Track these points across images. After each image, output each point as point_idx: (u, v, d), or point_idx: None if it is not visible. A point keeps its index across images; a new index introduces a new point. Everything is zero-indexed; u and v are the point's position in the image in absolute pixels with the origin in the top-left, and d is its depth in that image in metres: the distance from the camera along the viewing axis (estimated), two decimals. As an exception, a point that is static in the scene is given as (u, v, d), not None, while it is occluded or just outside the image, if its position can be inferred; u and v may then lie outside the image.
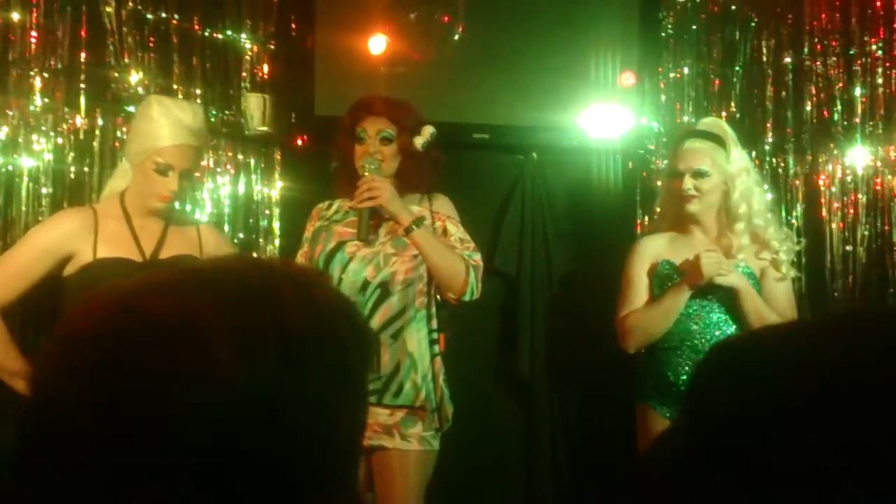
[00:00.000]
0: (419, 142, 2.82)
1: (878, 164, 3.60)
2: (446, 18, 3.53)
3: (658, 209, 3.28)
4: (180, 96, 3.38)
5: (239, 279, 0.66)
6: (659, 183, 3.69)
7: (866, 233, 3.62)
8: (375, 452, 2.68)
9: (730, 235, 2.88)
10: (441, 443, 2.78)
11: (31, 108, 3.18)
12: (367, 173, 2.70)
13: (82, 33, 3.27)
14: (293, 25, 3.58)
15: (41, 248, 2.53)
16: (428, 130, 2.84)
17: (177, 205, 2.67)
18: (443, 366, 2.79)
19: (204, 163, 3.44)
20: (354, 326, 0.69)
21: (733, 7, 3.76)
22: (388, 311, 2.68)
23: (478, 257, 2.80)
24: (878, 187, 3.60)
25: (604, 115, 3.64)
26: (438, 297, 2.80)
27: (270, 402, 0.61)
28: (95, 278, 2.46)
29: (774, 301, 2.87)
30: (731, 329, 2.84)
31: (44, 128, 3.21)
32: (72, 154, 3.26)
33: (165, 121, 2.50)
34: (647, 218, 3.76)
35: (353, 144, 2.80)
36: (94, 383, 0.60)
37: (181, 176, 2.52)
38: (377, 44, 3.52)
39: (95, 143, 3.28)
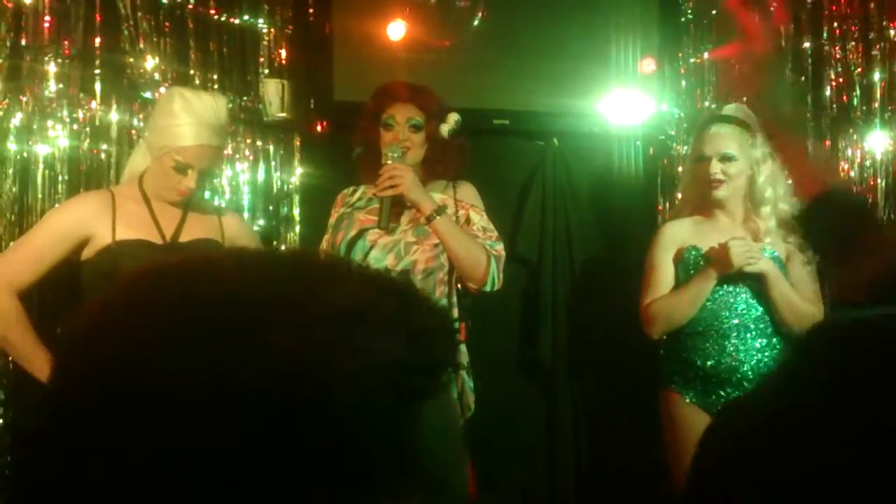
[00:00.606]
0: (445, 129, 2.81)
1: (897, 148, 3.61)
2: (466, 3, 3.49)
3: (679, 195, 3.26)
4: (197, 82, 3.34)
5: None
6: (681, 169, 3.69)
7: (885, 217, 3.62)
8: None
9: (756, 220, 2.87)
10: (464, 430, 2.75)
11: (46, 94, 3.13)
12: (389, 161, 2.66)
13: (96, 18, 3.22)
14: (310, 10, 3.54)
15: (58, 231, 2.49)
16: (453, 117, 2.83)
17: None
18: (466, 354, 2.76)
19: (224, 150, 3.40)
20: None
21: (753, -9, 3.75)
22: None
23: (500, 247, 2.77)
24: (898, 171, 3.61)
25: (624, 101, 3.63)
26: (459, 286, 2.77)
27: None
28: (115, 260, 2.44)
29: (801, 284, 2.86)
30: (758, 313, 2.82)
31: (59, 114, 3.16)
32: (87, 140, 3.21)
33: (187, 118, 2.45)
34: (668, 204, 3.74)
35: (377, 130, 2.77)
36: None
37: (200, 174, 2.50)
38: (396, 29, 3.49)
39: (111, 129, 3.23)
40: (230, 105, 3.40)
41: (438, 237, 2.67)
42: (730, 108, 3.06)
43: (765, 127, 2.93)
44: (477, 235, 2.74)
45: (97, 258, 2.47)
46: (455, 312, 2.76)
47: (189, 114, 2.45)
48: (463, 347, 2.76)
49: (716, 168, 2.84)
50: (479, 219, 2.80)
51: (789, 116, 1.28)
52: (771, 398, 0.55)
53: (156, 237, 2.52)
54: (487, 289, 2.71)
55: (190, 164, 2.46)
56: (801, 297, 2.84)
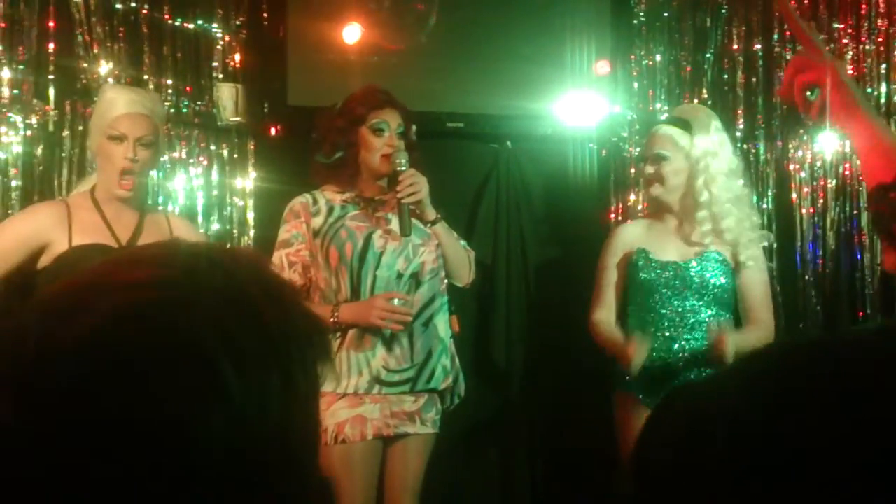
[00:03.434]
0: (413, 136, 2.86)
1: (847, 149, 3.64)
2: (420, 6, 3.51)
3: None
4: (151, 87, 3.36)
5: (217, 280, 0.64)
6: (633, 170, 3.74)
7: (835, 217, 3.67)
8: (399, 439, 2.75)
9: (693, 222, 2.88)
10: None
11: (-1, 99, 3.14)
12: (402, 168, 2.69)
13: (50, 23, 3.23)
14: (265, 14, 3.55)
15: (16, 237, 2.53)
16: (414, 126, 2.88)
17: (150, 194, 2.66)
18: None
19: (176, 154, 3.43)
20: (314, 323, 0.68)
21: (704, -6, 3.79)
22: (420, 300, 2.74)
23: (467, 245, 2.95)
24: (847, 172, 3.65)
25: (579, 103, 3.65)
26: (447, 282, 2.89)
27: (270, 412, 0.60)
28: (72, 266, 2.45)
29: (749, 291, 2.89)
30: (706, 316, 2.86)
31: (13, 119, 3.17)
32: (41, 146, 3.22)
33: (118, 97, 2.58)
34: (620, 206, 3.78)
35: (360, 134, 2.76)
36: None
37: (137, 144, 2.54)
38: (352, 33, 3.50)
39: (65, 135, 3.24)
40: (184, 110, 3.45)
41: (438, 239, 2.79)
42: (680, 109, 3.10)
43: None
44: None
45: (54, 265, 2.51)
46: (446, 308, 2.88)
47: (119, 94, 2.60)
48: (452, 337, 2.87)
49: (649, 168, 2.90)
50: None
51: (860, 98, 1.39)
52: (726, 405, 0.56)
53: (111, 242, 2.56)
54: (468, 286, 2.94)
55: (124, 132, 2.53)
56: (749, 307, 2.88)
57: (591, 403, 3.38)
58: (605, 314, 2.97)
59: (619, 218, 3.75)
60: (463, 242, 2.92)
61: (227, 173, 3.51)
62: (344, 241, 2.73)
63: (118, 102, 2.56)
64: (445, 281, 2.85)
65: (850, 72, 3.57)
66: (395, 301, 2.65)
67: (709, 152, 2.84)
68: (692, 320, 2.86)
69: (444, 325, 2.81)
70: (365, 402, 2.67)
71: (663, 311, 2.87)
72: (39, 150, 3.22)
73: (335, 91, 3.18)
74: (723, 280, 2.87)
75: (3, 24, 3.15)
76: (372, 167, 2.76)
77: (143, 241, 2.58)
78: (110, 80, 3.23)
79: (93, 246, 2.51)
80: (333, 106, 2.85)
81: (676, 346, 2.85)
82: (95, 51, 3.28)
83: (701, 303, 2.86)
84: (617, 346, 2.83)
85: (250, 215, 3.52)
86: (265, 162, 3.54)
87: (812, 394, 0.52)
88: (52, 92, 3.23)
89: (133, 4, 3.35)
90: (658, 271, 2.88)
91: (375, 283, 2.70)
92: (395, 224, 2.74)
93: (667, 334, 2.86)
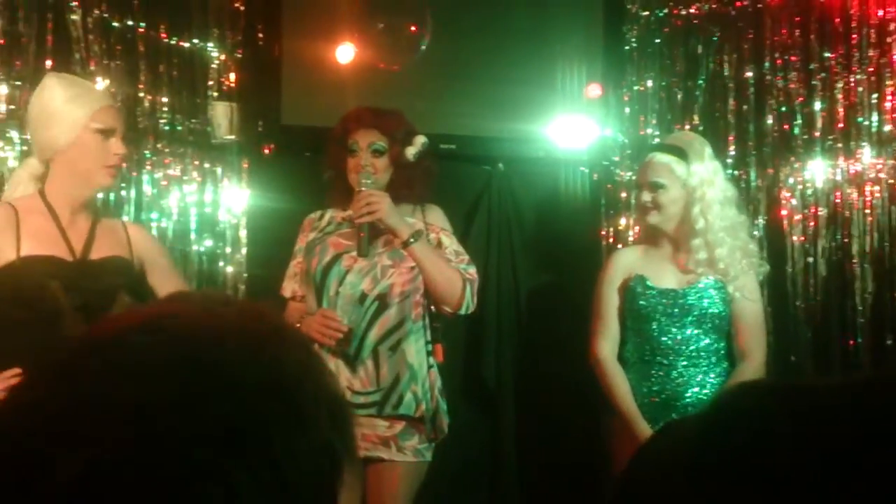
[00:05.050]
0: (411, 152, 2.82)
1: (838, 177, 3.66)
2: (414, 28, 3.55)
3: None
4: (146, 104, 3.40)
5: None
6: (624, 194, 3.76)
7: (826, 245, 3.67)
8: (372, 464, 2.69)
9: (688, 250, 2.87)
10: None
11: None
12: (363, 188, 2.69)
13: (48, 40, 3.26)
14: (260, 34, 3.59)
15: None
16: (420, 140, 2.85)
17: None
18: (439, 377, 2.80)
19: (172, 171, 3.45)
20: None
21: (696, 22, 3.82)
22: (386, 323, 2.70)
23: (473, 270, 2.82)
24: (838, 200, 3.66)
25: (571, 126, 3.68)
26: (433, 308, 2.80)
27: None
28: (21, 277, 2.32)
29: (738, 322, 2.88)
30: (703, 343, 2.85)
31: (9, 135, 3.19)
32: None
33: (81, 90, 2.39)
34: (611, 229, 3.79)
35: (343, 155, 2.79)
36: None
37: (123, 139, 2.39)
38: (345, 53, 3.54)
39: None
40: (179, 127, 3.48)
41: (415, 261, 2.71)
42: (673, 136, 3.11)
43: None
44: (450, 259, 2.79)
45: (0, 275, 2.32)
46: (429, 335, 2.79)
47: (78, 85, 2.41)
48: (436, 370, 2.79)
49: (646, 196, 2.88)
50: (451, 242, 2.85)
51: None
52: (693, 443, 0.58)
53: (65, 253, 2.37)
54: (462, 312, 2.79)
55: (112, 125, 2.36)
56: (739, 340, 2.86)
57: (580, 425, 3.37)
58: (610, 347, 2.92)
59: (611, 241, 3.76)
60: (464, 266, 2.80)
61: (221, 191, 3.54)
62: (314, 256, 2.75)
63: (89, 97, 2.39)
64: (422, 306, 2.76)
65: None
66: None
67: (705, 181, 2.84)
68: (691, 348, 2.84)
69: (415, 351, 2.73)
70: None
71: (662, 339, 2.85)
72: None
73: (328, 111, 3.22)
74: (720, 308, 2.86)
75: (1, 41, 3.19)
76: (355, 188, 2.78)
77: (97, 250, 2.43)
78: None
79: (44, 258, 2.34)
80: None
81: (675, 373, 2.84)
82: (92, 67, 3.31)
83: (699, 331, 2.84)
84: (630, 417, 2.82)
85: (243, 233, 3.55)
86: (258, 180, 3.56)
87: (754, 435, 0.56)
88: (48, 108, 3.25)
89: (130, 23, 3.39)
90: (656, 298, 2.86)
91: (338, 299, 2.69)
92: (378, 244, 2.72)
93: (665, 362, 2.85)
